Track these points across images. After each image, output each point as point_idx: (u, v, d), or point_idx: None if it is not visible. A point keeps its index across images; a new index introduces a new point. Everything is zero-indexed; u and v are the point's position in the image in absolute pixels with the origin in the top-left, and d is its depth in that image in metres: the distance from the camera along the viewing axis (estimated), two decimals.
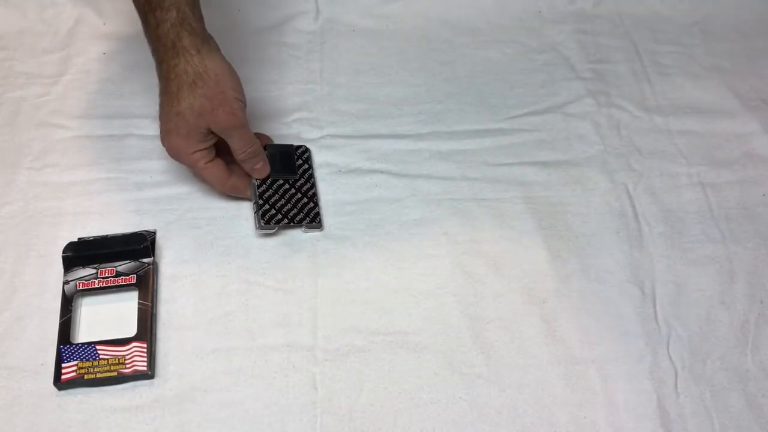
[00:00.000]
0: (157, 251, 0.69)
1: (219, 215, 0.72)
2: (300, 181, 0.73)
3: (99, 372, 0.62)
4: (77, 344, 0.64)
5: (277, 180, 0.72)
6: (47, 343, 0.64)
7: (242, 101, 0.67)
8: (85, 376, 0.62)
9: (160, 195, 0.73)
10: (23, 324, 0.65)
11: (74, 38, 0.86)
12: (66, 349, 0.63)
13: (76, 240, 0.69)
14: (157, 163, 0.75)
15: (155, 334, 0.65)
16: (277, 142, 0.77)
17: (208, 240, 0.71)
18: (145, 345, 0.63)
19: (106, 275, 0.67)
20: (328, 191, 0.75)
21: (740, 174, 0.77)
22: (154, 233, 0.70)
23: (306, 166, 0.75)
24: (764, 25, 0.90)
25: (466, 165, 0.77)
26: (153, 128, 0.74)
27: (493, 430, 0.61)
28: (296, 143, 0.77)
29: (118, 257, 0.68)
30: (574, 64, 0.87)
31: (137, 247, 0.68)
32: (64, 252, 0.67)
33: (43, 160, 0.76)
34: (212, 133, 0.66)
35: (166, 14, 0.64)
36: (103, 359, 0.63)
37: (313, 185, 0.74)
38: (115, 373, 0.62)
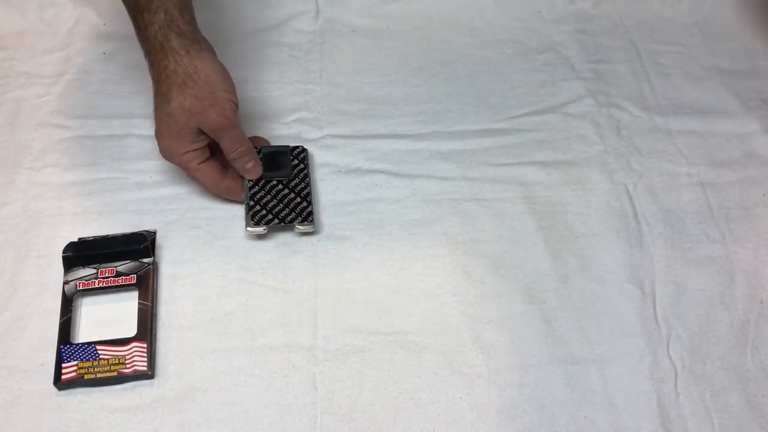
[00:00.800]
0: (157, 251, 0.69)
1: (219, 215, 0.72)
2: (294, 181, 0.73)
3: (99, 372, 0.62)
4: (77, 344, 0.64)
5: (271, 181, 0.72)
6: (47, 343, 0.64)
7: (233, 102, 0.67)
8: (85, 376, 0.62)
9: (160, 195, 0.73)
10: (23, 324, 0.65)
11: (74, 38, 0.86)
12: (66, 349, 0.63)
13: (76, 240, 0.69)
14: (157, 163, 0.75)
15: (155, 334, 0.65)
16: (277, 142, 0.77)
17: (208, 240, 0.71)
18: (145, 345, 0.63)
19: (106, 275, 0.67)
20: (328, 191, 0.75)
21: (740, 174, 0.77)
22: (154, 233, 0.70)
23: (302, 165, 0.74)
24: (764, 25, 0.90)
25: (466, 165, 0.77)
26: (153, 128, 0.74)
27: (493, 430, 0.62)
28: (296, 143, 0.77)
29: (118, 257, 0.68)
30: (574, 64, 0.87)
31: (137, 247, 0.68)
32: (64, 252, 0.67)
33: (43, 160, 0.76)
34: (204, 133, 0.66)
35: (154, 16, 0.65)
36: (103, 359, 0.63)
37: (308, 185, 0.73)
38: (115, 373, 0.62)
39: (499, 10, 0.91)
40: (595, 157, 0.78)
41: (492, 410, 0.62)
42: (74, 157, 0.76)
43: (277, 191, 0.72)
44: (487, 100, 0.83)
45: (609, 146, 0.79)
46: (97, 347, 0.63)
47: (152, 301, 0.66)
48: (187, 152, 0.67)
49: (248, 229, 0.69)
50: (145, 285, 0.67)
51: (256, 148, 0.73)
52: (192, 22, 0.67)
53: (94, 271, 0.67)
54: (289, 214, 0.70)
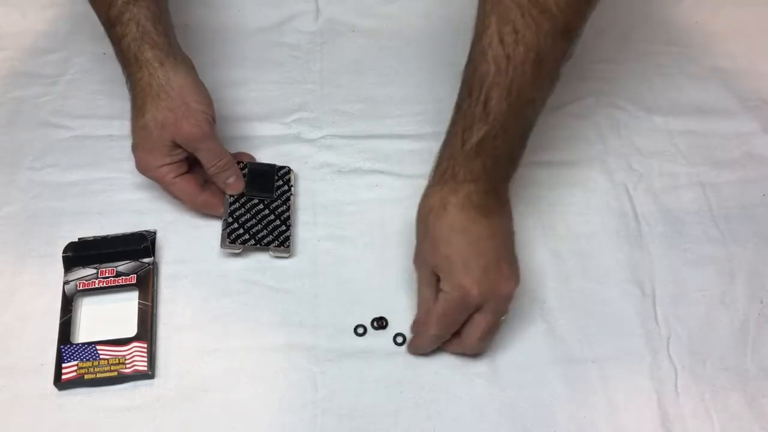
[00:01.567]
0: (157, 251, 0.69)
1: (219, 215, 0.72)
2: (276, 203, 0.71)
3: (99, 372, 0.62)
4: (77, 344, 0.64)
5: (252, 199, 0.70)
6: (47, 343, 0.64)
7: (208, 114, 0.66)
8: (85, 376, 0.62)
9: (160, 195, 0.73)
10: (23, 324, 0.65)
11: (74, 38, 0.86)
12: (66, 349, 0.63)
13: (76, 240, 0.69)
14: None
15: (155, 334, 0.65)
16: (277, 142, 0.77)
17: (208, 240, 0.71)
18: (145, 345, 0.64)
19: (107, 275, 0.67)
20: (328, 191, 0.75)
21: (740, 174, 0.77)
22: (154, 233, 0.70)
23: (285, 187, 0.72)
24: (764, 25, 0.90)
25: None
26: None
27: (493, 430, 0.62)
28: (296, 143, 0.77)
29: (119, 257, 0.68)
30: (575, 64, 0.86)
31: (137, 247, 0.68)
32: (64, 252, 0.67)
33: (43, 160, 0.76)
34: (180, 147, 0.66)
35: (126, 29, 0.65)
36: (104, 359, 0.63)
37: (289, 208, 0.71)
38: (116, 373, 0.62)
39: None
40: (595, 157, 0.78)
41: (492, 410, 0.62)
42: (74, 157, 0.76)
43: (258, 211, 0.70)
44: None
45: (609, 146, 0.79)
46: (97, 347, 0.63)
47: (152, 301, 0.66)
48: (163, 166, 0.66)
49: (222, 247, 0.68)
50: (145, 285, 0.67)
51: (241, 162, 0.72)
52: (167, 34, 0.66)
53: (94, 271, 0.67)
54: (267, 236, 0.69)
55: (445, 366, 0.64)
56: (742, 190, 0.76)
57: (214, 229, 0.71)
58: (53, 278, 0.67)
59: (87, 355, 0.63)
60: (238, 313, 0.67)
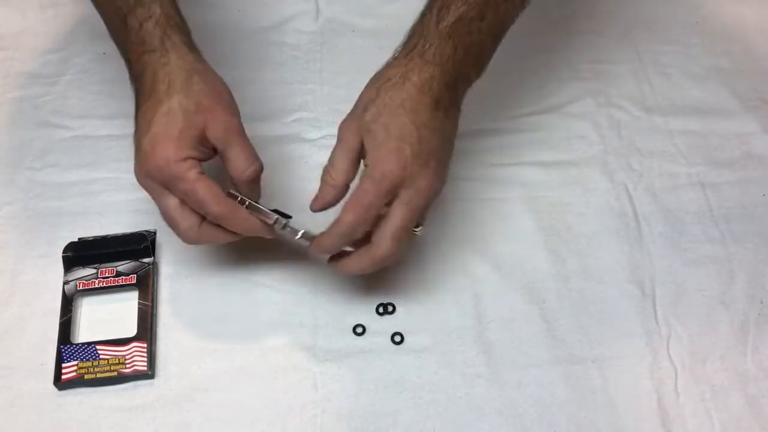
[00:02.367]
0: (157, 251, 0.69)
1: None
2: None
3: (99, 372, 0.62)
4: (77, 344, 0.64)
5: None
6: (47, 343, 0.64)
7: (238, 112, 0.60)
8: (85, 376, 0.62)
9: None
10: (23, 324, 0.66)
11: (74, 38, 0.85)
12: (66, 349, 0.63)
13: (76, 240, 0.69)
14: None
15: (155, 334, 0.65)
16: (277, 141, 0.77)
17: None
18: (145, 345, 0.64)
19: (107, 275, 0.67)
20: None
21: (740, 174, 0.77)
22: (154, 233, 0.70)
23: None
24: (764, 25, 0.90)
25: (466, 165, 0.77)
26: None
27: (493, 430, 0.62)
28: (296, 143, 0.76)
29: (119, 257, 0.68)
30: (574, 64, 0.87)
31: (137, 247, 0.68)
32: (64, 252, 0.67)
33: (43, 160, 0.76)
34: (205, 143, 0.57)
35: (149, 11, 0.58)
36: (103, 359, 0.63)
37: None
38: (116, 373, 0.62)
39: None
40: (595, 157, 0.78)
41: (492, 410, 0.62)
42: (74, 157, 0.76)
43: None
44: (487, 100, 0.83)
45: (609, 146, 0.79)
46: (97, 347, 0.63)
47: (152, 301, 0.66)
48: (187, 158, 0.55)
49: (298, 236, 0.61)
50: (145, 285, 0.67)
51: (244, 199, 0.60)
52: (186, 23, 0.62)
53: (94, 271, 0.67)
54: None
55: (445, 366, 0.64)
56: (742, 190, 0.76)
57: None
58: (53, 278, 0.68)
59: (87, 355, 0.63)
60: (238, 313, 0.67)
